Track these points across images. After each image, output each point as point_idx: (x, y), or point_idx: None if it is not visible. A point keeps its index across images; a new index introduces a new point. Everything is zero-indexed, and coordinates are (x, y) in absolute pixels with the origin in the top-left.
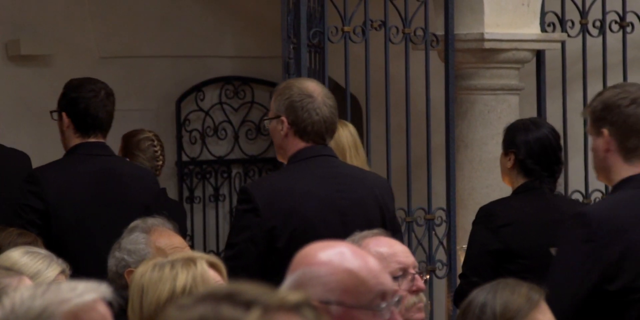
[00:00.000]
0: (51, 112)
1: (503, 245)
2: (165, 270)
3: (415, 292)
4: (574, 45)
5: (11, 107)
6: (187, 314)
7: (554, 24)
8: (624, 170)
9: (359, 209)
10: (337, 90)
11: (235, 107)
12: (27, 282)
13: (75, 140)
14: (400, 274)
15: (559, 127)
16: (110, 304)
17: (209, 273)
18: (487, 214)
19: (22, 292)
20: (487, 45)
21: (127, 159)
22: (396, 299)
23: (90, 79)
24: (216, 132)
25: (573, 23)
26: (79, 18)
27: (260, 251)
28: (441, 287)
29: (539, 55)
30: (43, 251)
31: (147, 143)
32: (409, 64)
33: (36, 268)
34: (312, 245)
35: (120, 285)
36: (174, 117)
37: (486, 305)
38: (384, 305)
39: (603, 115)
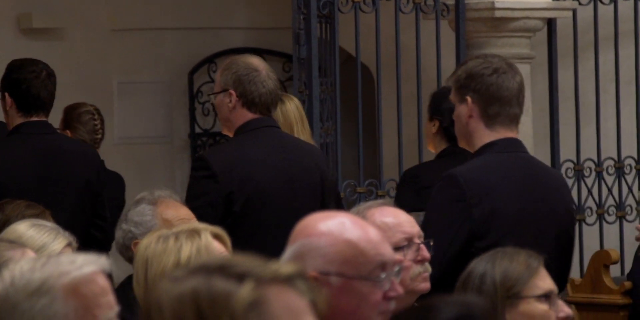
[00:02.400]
0: None
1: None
2: (170, 242)
3: (420, 262)
4: (585, 13)
5: None
6: (179, 286)
7: None
8: (486, 135)
9: (305, 177)
10: (349, 60)
11: None
12: (31, 254)
13: (18, 120)
14: (405, 244)
15: (570, 96)
16: (110, 276)
17: (213, 244)
18: (412, 176)
19: (22, 265)
20: (498, 14)
21: (68, 132)
22: (396, 269)
23: (32, 60)
24: None
25: None
26: None
27: (218, 215)
28: None
29: (550, 23)
30: (49, 224)
31: (88, 116)
32: (420, 34)
33: (42, 241)
34: (311, 216)
35: (128, 257)
36: (186, 89)
37: (486, 275)
38: (383, 275)
39: (467, 83)
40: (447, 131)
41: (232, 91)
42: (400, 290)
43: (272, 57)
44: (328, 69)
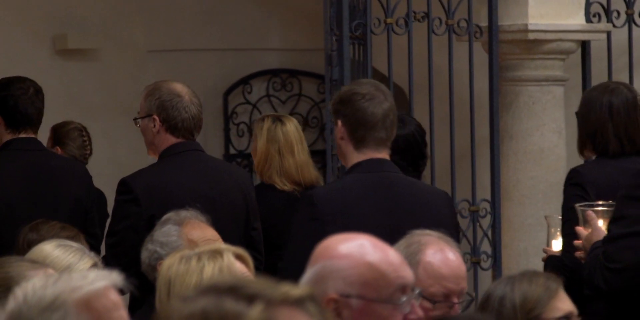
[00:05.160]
0: None
1: None
2: (192, 262)
3: None
4: (619, 36)
5: (59, 101)
6: (190, 306)
7: (599, 15)
8: (355, 156)
9: (227, 199)
10: (383, 81)
11: (282, 100)
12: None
13: (7, 137)
14: (441, 300)
15: None
16: (121, 292)
17: (235, 265)
18: None
19: (34, 282)
20: (532, 36)
21: (57, 148)
22: (416, 292)
23: (19, 78)
24: None
25: (619, 13)
26: (126, 12)
27: (140, 238)
28: (486, 279)
29: (584, 46)
30: (75, 244)
31: (76, 133)
32: (453, 56)
33: (68, 261)
34: (332, 238)
35: (153, 277)
36: (221, 110)
37: (505, 298)
38: (404, 298)
39: (338, 107)
40: (390, 159)
41: (155, 116)
42: (420, 313)
43: (306, 78)
44: None
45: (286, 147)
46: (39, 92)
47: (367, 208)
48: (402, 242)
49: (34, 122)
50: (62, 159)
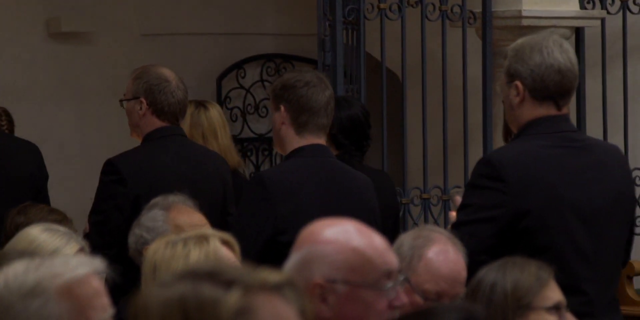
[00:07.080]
0: None
1: None
2: (178, 247)
3: None
4: (614, 23)
5: (52, 84)
6: (167, 291)
7: (593, 1)
8: (296, 141)
9: (207, 183)
10: (377, 67)
11: None
12: None
13: None
14: (433, 298)
15: (598, 106)
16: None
17: (221, 250)
18: None
19: (16, 267)
20: (525, 22)
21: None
22: (401, 278)
23: None
24: (257, 110)
25: (613, 0)
26: None
27: (124, 217)
28: None
29: (579, 32)
30: (62, 228)
31: None
32: (446, 42)
33: (55, 245)
34: (317, 223)
35: (140, 262)
36: (214, 95)
37: (496, 285)
38: (389, 284)
39: (281, 93)
40: (336, 139)
41: (142, 99)
42: (405, 299)
43: (301, 63)
44: (354, 76)
45: (209, 131)
46: None
47: (312, 190)
48: (411, 233)
49: None
50: (14, 138)
